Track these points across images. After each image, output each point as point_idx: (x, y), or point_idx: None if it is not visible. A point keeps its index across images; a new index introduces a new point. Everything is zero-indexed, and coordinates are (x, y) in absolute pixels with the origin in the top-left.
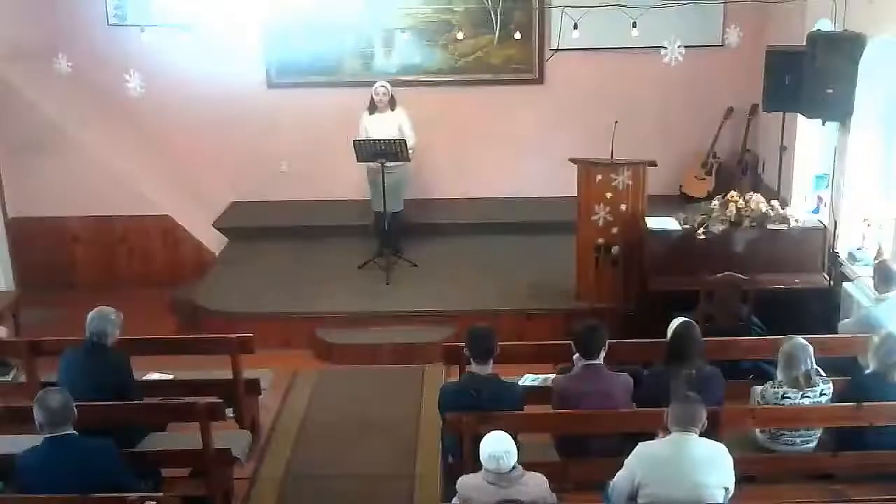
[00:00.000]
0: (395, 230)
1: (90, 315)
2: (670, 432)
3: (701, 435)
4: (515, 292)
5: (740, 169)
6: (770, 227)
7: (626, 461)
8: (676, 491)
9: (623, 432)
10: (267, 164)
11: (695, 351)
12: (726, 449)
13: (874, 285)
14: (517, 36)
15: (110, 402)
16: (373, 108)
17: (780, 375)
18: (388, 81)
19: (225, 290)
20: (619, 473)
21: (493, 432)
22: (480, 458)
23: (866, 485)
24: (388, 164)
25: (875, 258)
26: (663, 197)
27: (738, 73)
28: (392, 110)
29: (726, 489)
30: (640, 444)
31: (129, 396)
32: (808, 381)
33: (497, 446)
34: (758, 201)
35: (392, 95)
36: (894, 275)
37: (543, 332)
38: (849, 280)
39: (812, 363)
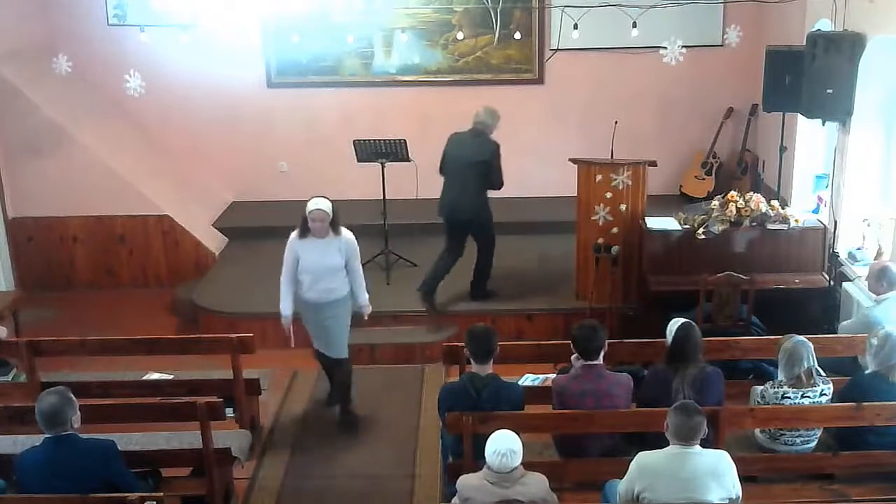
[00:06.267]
0: (340, 383)
1: None
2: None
3: (702, 439)
4: (515, 292)
5: (740, 169)
6: (770, 227)
7: (629, 469)
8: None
9: (623, 432)
10: (266, 164)
11: (695, 351)
12: (728, 456)
13: (868, 287)
14: (517, 36)
15: (110, 402)
16: (305, 232)
17: (781, 374)
18: (328, 200)
19: (225, 290)
20: (621, 481)
21: (499, 430)
22: (485, 456)
23: (866, 485)
24: (324, 300)
25: (875, 258)
26: (663, 197)
27: (738, 73)
28: (337, 234)
29: (731, 500)
30: (640, 453)
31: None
32: (810, 379)
33: (503, 444)
34: (758, 201)
35: (334, 216)
36: (888, 274)
37: (543, 332)
38: (849, 280)
39: (814, 360)
